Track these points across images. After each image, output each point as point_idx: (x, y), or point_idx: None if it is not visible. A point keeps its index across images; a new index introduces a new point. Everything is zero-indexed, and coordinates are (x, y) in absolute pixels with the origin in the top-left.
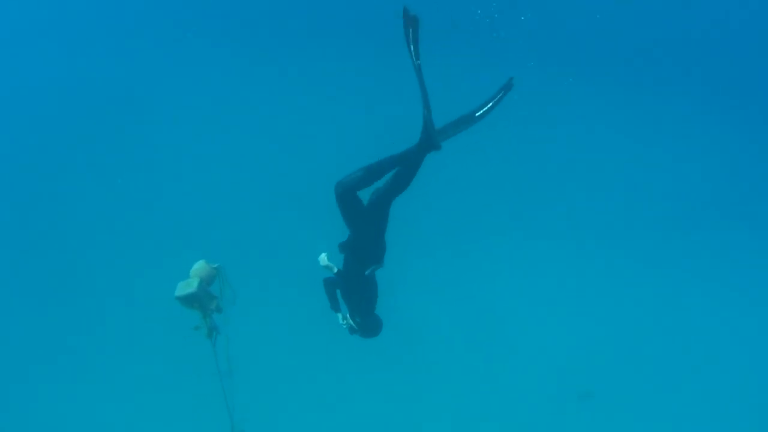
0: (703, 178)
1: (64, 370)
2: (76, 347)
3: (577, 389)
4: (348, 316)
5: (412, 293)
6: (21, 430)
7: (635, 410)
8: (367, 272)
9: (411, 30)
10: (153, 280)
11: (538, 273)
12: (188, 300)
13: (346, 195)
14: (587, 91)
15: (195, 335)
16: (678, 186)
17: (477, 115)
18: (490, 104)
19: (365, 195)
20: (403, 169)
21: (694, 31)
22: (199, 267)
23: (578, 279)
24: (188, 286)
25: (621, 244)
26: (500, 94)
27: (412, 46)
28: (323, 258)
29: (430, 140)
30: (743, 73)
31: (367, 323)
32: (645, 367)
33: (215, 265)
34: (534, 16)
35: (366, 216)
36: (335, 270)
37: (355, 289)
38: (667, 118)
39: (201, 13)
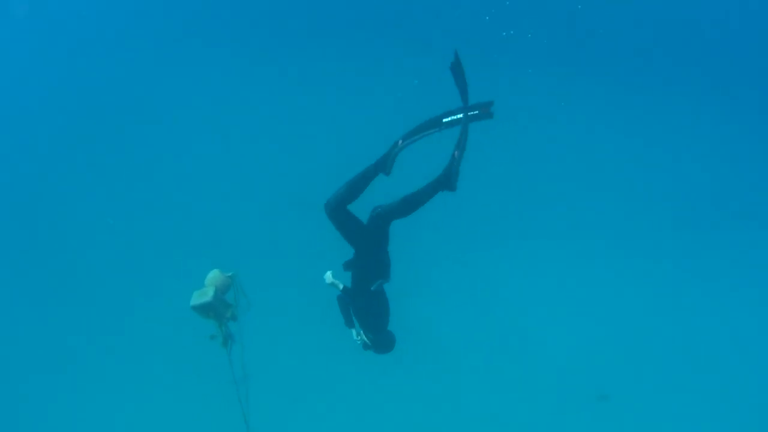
0: (718, 174)
1: (79, 379)
2: (92, 357)
3: (595, 392)
4: (361, 332)
5: (427, 297)
6: None
7: (652, 412)
8: (372, 288)
9: (460, 77)
10: (166, 290)
11: (554, 275)
12: (204, 309)
13: (336, 212)
14: (595, 91)
15: (210, 344)
16: (693, 184)
17: (444, 121)
18: (460, 116)
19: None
20: (414, 197)
21: (704, 27)
22: (214, 276)
23: (594, 281)
24: (204, 295)
25: (638, 245)
26: (475, 113)
27: (461, 93)
28: (328, 276)
29: (449, 182)
30: (750, 68)
31: (380, 339)
32: (662, 369)
33: (229, 274)
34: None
35: (365, 232)
36: (341, 287)
37: (364, 305)
38: (674, 116)
39: (205, 13)
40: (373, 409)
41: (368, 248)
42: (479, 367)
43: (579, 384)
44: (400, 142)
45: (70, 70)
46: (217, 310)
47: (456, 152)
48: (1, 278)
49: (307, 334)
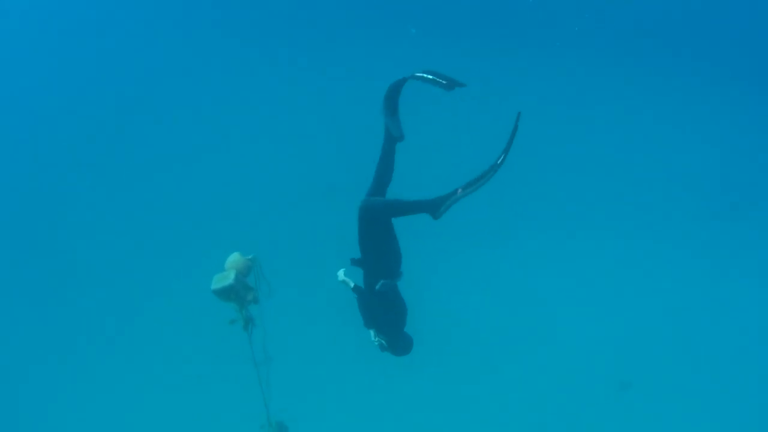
0: (748, 160)
1: (99, 361)
2: (112, 340)
3: (618, 379)
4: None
5: (449, 285)
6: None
7: (675, 401)
8: (377, 287)
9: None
10: (183, 275)
11: (574, 263)
12: (225, 293)
13: (370, 217)
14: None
15: (231, 328)
16: (720, 172)
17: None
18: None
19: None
20: (401, 205)
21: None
22: (234, 259)
23: (617, 267)
24: (225, 278)
25: (664, 231)
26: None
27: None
28: (341, 273)
29: (436, 210)
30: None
31: (396, 341)
32: (686, 357)
33: (250, 257)
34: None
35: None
36: (352, 285)
37: (374, 305)
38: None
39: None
40: (397, 391)
41: (365, 244)
42: (500, 356)
43: (600, 372)
44: (460, 191)
45: (69, 67)
46: (238, 293)
47: (460, 190)
48: (27, 260)
49: (329, 317)
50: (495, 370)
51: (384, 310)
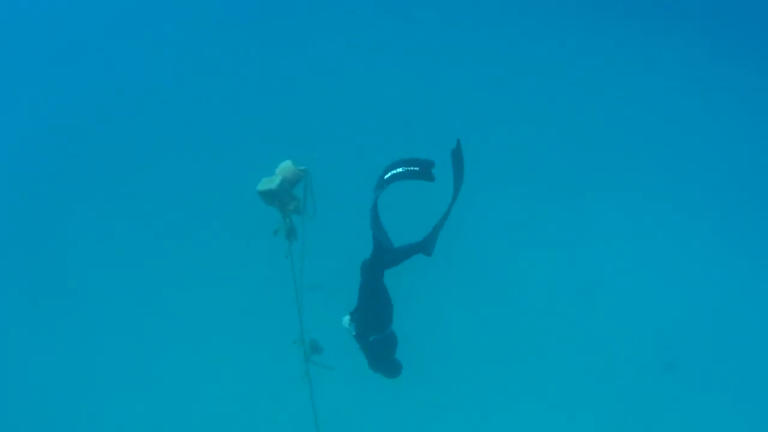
0: None
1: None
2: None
3: (664, 360)
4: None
5: (496, 255)
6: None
7: (723, 385)
8: (371, 339)
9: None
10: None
11: (622, 239)
12: (268, 196)
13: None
14: None
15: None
16: None
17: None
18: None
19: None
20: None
21: None
22: (285, 166)
23: (665, 244)
24: (271, 182)
25: (725, 214)
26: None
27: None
28: (345, 320)
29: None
30: None
31: (388, 371)
32: (736, 339)
33: (302, 168)
34: None
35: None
36: (353, 333)
37: (370, 350)
38: None
39: None
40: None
41: (362, 302)
42: (543, 332)
43: (645, 352)
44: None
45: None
46: (281, 199)
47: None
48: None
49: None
50: (535, 347)
51: (379, 352)
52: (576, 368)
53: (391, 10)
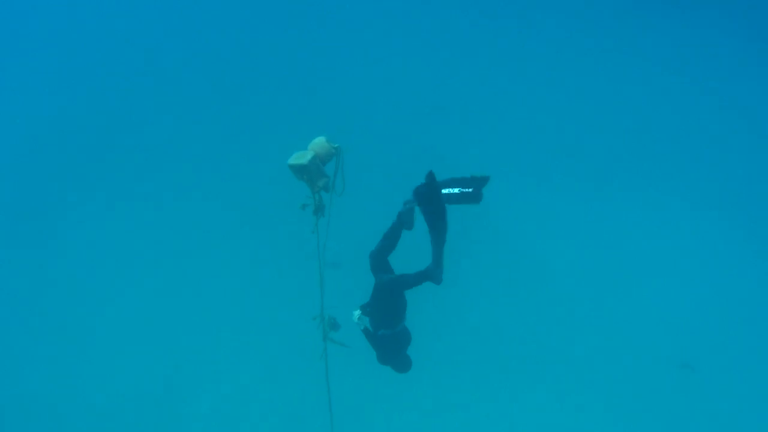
0: None
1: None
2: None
3: (679, 359)
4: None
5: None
6: None
7: (739, 386)
8: (379, 332)
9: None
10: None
11: (639, 237)
12: (299, 170)
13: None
14: None
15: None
16: None
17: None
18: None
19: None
20: (406, 279)
21: None
22: (318, 142)
23: (683, 242)
24: (302, 157)
25: (740, 212)
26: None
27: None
28: (355, 315)
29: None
30: None
31: (398, 365)
32: (753, 345)
33: (335, 145)
34: None
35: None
36: (362, 327)
37: (379, 343)
38: None
39: None
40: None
41: (375, 302)
42: (560, 327)
43: (661, 350)
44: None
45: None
46: (311, 174)
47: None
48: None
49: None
50: (549, 344)
51: (388, 347)
52: (593, 364)
53: None
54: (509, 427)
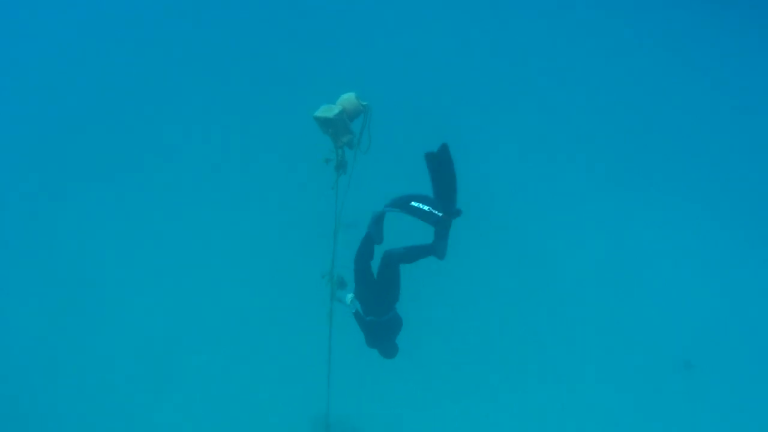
0: None
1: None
2: None
3: (683, 357)
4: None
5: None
6: None
7: (741, 385)
8: (367, 318)
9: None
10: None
11: (641, 233)
12: (324, 124)
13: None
14: None
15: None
16: None
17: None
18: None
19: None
20: (415, 251)
21: None
22: (347, 98)
23: (687, 239)
24: (329, 110)
25: (739, 210)
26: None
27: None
28: (349, 297)
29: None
30: None
31: (385, 350)
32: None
33: (365, 103)
34: None
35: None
36: (353, 310)
37: (367, 328)
38: None
39: None
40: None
41: (371, 289)
42: (562, 325)
43: (663, 348)
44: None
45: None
46: (337, 129)
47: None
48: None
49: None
50: (552, 341)
51: (376, 333)
52: (595, 361)
53: None
54: (509, 426)
